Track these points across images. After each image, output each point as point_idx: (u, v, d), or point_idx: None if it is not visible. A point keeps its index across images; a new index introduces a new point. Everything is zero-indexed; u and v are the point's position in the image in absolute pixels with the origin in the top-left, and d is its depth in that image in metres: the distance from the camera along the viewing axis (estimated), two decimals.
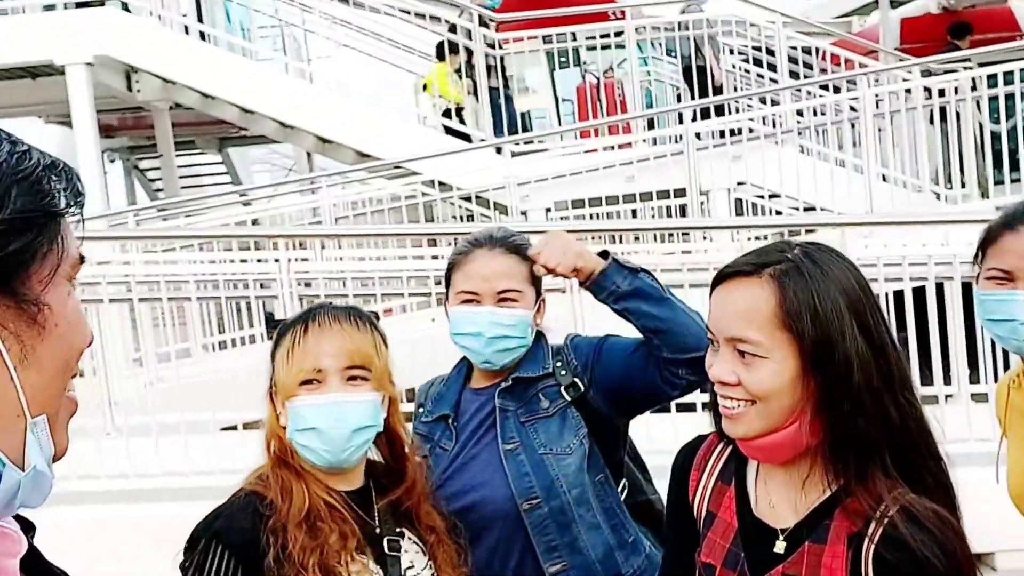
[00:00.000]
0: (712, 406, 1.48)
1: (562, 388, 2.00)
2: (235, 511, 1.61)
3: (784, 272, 1.37)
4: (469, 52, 8.80)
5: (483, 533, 1.89)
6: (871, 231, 5.52)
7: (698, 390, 2.10)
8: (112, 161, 14.80)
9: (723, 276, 1.42)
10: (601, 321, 4.75)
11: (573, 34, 9.03)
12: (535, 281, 2.05)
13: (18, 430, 0.80)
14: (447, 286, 2.07)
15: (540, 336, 2.08)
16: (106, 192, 10.74)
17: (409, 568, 1.64)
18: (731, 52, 9.81)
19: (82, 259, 0.88)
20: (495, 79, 8.95)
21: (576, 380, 2.00)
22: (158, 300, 5.15)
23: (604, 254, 1.93)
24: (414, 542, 1.68)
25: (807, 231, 6.25)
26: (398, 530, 1.66)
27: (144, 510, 4.31)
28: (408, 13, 9.28)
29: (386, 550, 1.63)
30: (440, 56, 9.16)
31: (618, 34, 9.12)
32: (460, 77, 8.87)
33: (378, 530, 1.64)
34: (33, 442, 0.81)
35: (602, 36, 9.13)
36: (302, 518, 1.55)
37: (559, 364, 2.02)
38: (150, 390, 5.51)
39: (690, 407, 4.77)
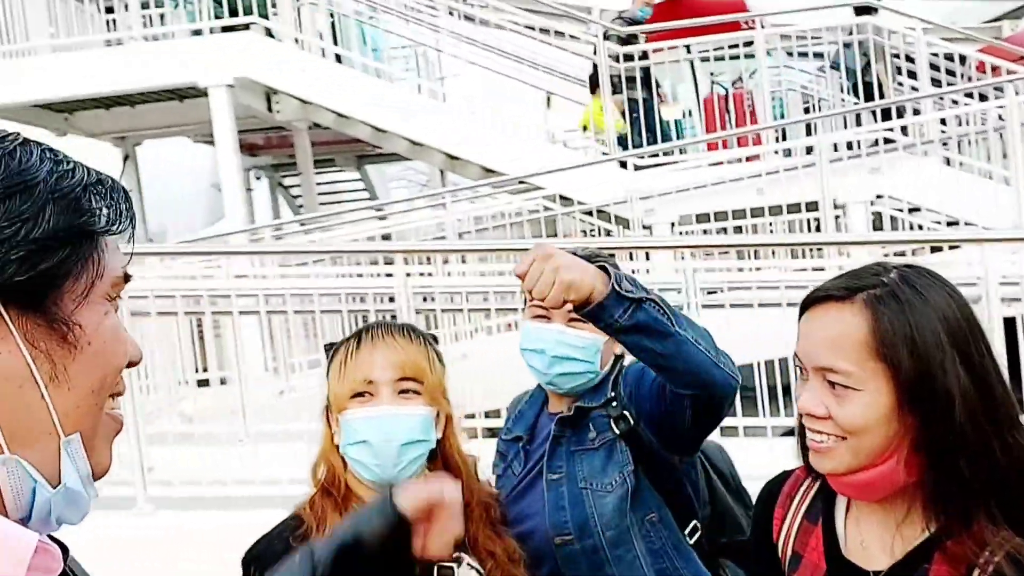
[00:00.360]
0: (799, 438, 1.40)
1: (612, 420, 1.88)
2: (274, 536, 1.62)
3: (879, 297, 1.27)
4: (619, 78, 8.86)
5: (536, 564, 1.81)
6: (1018, 248, 5.19)
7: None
8: (259, 179, 15.46)
9: (813, 300, 1.33)
10: (722, 344, 4.64)
11: (687, 47, 8.92)
12: None
13: (52, 448, 0.81)
14: (526, 301, 1.99)
15: (617, 363, 1.97)
16: (251, 208, 11.23)
17: None
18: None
19: (127, 278, 0.88)
20: (640, 91, 8.96)
21: (625, 412, 1.87)
22: (284, 313, 5.32)
23: (603, 268, 1.64)
24: (473, 568, 1.64)
25: (950, 247, 5.94)
26: (455, 555, 1.62)
27: (268, 516, 4.45)
28: (533, 29, 9.36)
29: None
30: (593, 90, 9.20)
31: (748, 44, 8.93)
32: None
33: None
34: (67, 460, 0.81)
35: (730, 46, 8.96)
36: None
37: (613, 394, 1.91)
38: (280, 399, 5.71)
39: (791, 432, 4.60)
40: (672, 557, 1.87)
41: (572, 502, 1.85)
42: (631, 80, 8.78)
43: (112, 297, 0.86)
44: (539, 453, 1.93)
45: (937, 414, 1.24)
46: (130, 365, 0.88)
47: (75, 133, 9.80)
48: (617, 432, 1.86)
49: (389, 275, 6.17)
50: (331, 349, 1.74)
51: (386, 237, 8.74)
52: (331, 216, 9.80)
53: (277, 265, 6.85)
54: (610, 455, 1.87)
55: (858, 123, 8.42)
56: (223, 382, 5.82)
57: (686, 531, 1.91)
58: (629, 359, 1.96)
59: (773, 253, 6.65)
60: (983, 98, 8.05)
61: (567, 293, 1.56)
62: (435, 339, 1.73)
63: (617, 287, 1.58)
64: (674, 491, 1.90)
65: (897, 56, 8.90)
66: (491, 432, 4.92)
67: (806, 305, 1.35)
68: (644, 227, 7.70)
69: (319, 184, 13.61)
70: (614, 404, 1.89)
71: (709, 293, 4.80)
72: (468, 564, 1.64)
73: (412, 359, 1.63)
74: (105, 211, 0.85)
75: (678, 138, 9.51)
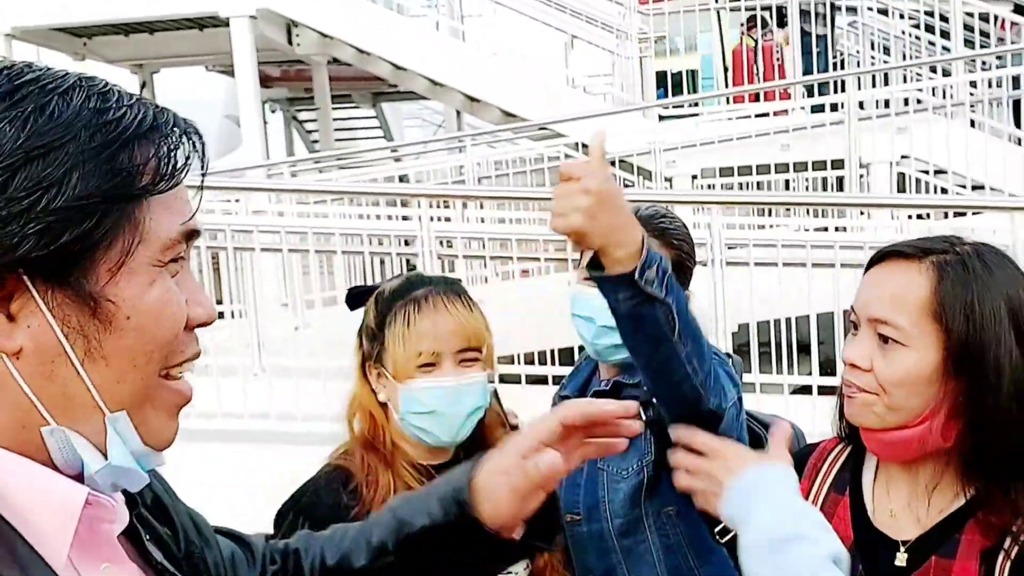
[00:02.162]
0: (840, 399, 1.40)
1: (641, 404, 1.67)
2: (320, 487, 1.60)
3: (948, 263, 1.29)
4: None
5: None
6: None
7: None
8: (273, 111, 15.34)
9: (882, 256, 1.35)
10: (741, 301, 4.61)
11: None
12: (676, 272, 1.74)
13: (100, 423, 0.77)
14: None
15: None
16: (266, 143, 11.16)
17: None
18: (900, 16, 9.28)
19: (191, 235, 0.80)
20: (814, 25, 8.83)
21: (654, 399, 1.69)
22: (306, 251, 5.31)
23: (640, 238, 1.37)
24: None
25: (973, 213, 5.89)
26: None
27: (282, 451, 4.49)
28: None
29: None
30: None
31: None
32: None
33: None
34: (113, 437, 0.77)
35: None
36: None
37: None
38: (296, 335, 5.72)
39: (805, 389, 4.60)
40: (688, 555, 1.78)
41: (588, 481, 1.77)
42: (804, 14, 8.59)
43: (164, 262, 0.77)
44: None
45: (985, 384, 1.25)
46: (200, 325, 0.82)
47: (93, 58, 9.70)
48: (644, 418, 1.66)
49: (405, 218, 6.15)
50: (358, 296, 1.70)
51: (403, 178, 8.69)
52: (348, 155, 9.72)
53: (295, 202, 6.81)
54: (632, 440, 1.78)
55: (885, 82, 8.30)
56: (234, 315, 5.82)
57: (716, 530, 1.74)
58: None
59: (790, 211, 6.57)
60: (1014, 61, 7.92)
61: (570, 234, 1.33)
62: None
63: (638, 275, 1.35)
64: None
65: (931, 14, 8.73)
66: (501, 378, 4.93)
67: (874, 260, 1.36)
68: (665, 179, 7.64)
69: (334, 120, 13.49)
70: (646, 388, 1.75)
71: (729, 248, 4.76)
72: None
73: (475, 329, 1.61)
74: (153, 164, 0.75)
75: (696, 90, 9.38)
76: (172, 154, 0.77)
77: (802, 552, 1.12)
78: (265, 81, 12.03)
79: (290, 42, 8.80)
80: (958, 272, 1.28)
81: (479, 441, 1.68)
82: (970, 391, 1.26)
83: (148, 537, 0.85)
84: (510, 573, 1.61)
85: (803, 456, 1.49)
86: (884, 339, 1.29)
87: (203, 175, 0.81)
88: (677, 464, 1.33)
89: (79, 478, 0.78)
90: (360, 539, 1.08)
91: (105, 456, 0.77)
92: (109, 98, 0.76)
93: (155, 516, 0.90)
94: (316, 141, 14.42)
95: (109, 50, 9.73)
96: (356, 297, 1.72)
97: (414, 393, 1.60)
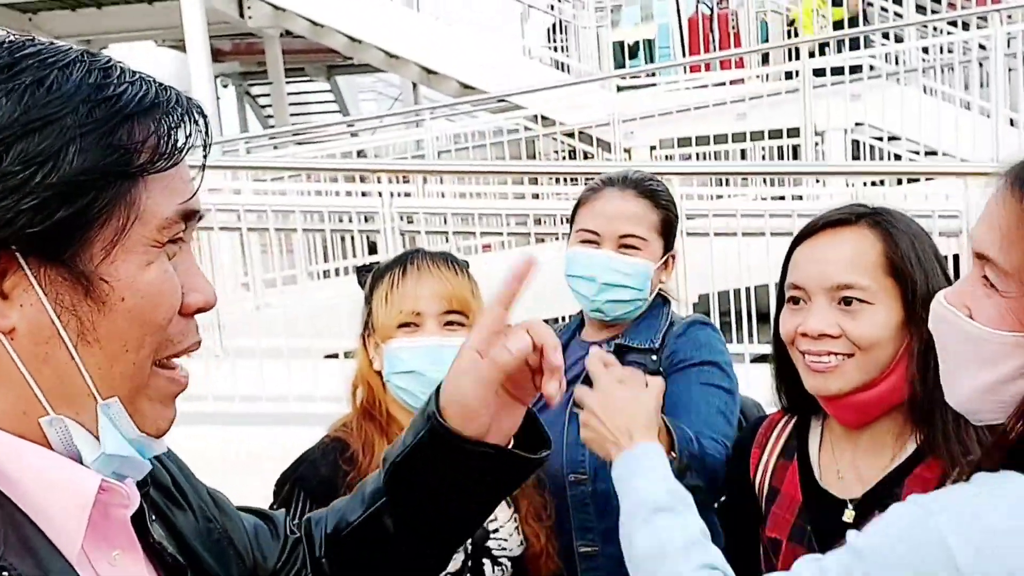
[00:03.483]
0: (779, 376, 1.45)
1: (647, 372, 1.71)
2: (318, 457, 1.61)
3: (882, 222, 1.36)
4: None
5: None
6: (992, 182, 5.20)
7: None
8: (225, 86, 15.12)
9: (813, 229, 1.39)
10: (703, 271, 4.63)
11: None
12: (665, 232, 1.84)
13: (94, 410, 0.75)
14: (571, 224, 1.90)
15: (665, 304, 1.88)
16: (219, 118, 10.98)
17: (492, 520, 1.60)
18: None
19: (189, 215, 0.77)
20: None
21: (662, 369, 1.75)
22: (266, 230, 5.25)
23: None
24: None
25: (927, 178, 5.97)
26: None
27: (246, 432, 4.46)
28: None
29: None
30: None
31: None
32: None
33: None
34: (106, 425, 0.75)
35: None
36: None
37: (658, 346, 1.80)
38: (256, 315, 5.67)
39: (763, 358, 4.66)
40: None
41: None
42: None
43: (162, 243, 0.75)
44: (565, 378, 1.85)
45: None
46: (198, 311, 0.80)
47: (39, 34, 9.45)
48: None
49: (364, 194, 6.09)
50: (363, 271, 1.72)
51: (360, 153, 8.61)
52: (304, 130, 9.61)
53: (251, 179, 6.72)
54: None
55: (839, 49, 8.36)
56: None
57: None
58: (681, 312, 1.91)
59: (747, 180, 6.61)
60: (965, 27, 8.01)
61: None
62: (467, 264, 1.70)
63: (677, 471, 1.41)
64: None
65: None
66: None
67: (804, 235, 1.40)
68: (624, 150, 7.66)
69: (288, 94, 13.32)
70: (654, 357, 1.79)
71: (689, 219, 4.78)
72: None
73: (459, 292, 1.61)
74: (152, 142, 0.73)
75: (653, 60, 9.37)
76: (172, 132, 0.75)
77: (674, 523, 1.21)
78: (216, 55, 11.84)
79: (241, 15, 8.66)
80: (895, 229, 1.35)
81: None
82: (927, 338, 1.28)
83: (153, 518, 0.83)
84: (494, 520, 1.62)
85: (754, 427, 1.56)
86: (846, 303, 1.33)
87: (205, 155, 0.79)
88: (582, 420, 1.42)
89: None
90: (355, 497, 1.06)
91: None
92: (111, 74, 0.74)
93: (168, 497, 0.89)
94: (270, 116, 14.23)
95: (56, 25, 9.51)
96: (363, 273, 1.75)
97: (395, 352, 1.61)
